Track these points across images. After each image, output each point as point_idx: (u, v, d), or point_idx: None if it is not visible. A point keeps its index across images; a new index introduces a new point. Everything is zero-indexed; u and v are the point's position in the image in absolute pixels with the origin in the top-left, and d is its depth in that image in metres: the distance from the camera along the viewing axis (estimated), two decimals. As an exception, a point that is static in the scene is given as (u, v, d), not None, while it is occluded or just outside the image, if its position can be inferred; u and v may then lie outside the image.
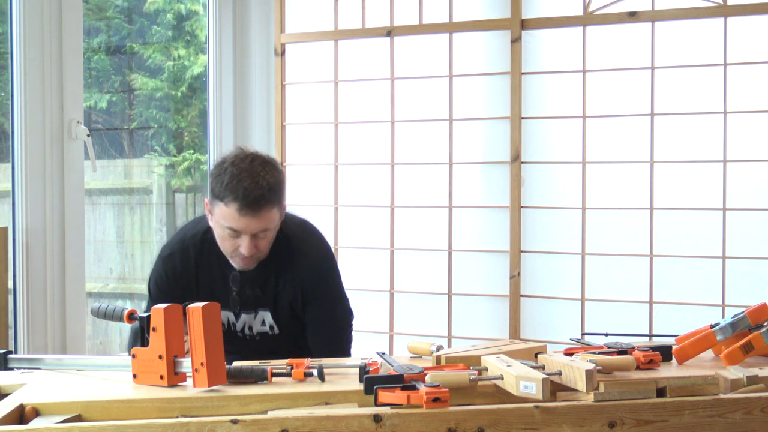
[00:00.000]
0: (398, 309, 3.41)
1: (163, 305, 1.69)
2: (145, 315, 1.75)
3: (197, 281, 2.29)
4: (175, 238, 2.40)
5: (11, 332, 2.68)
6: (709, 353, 1.93)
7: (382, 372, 1.71)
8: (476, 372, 1.63)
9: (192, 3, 3.68)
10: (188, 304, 1.66)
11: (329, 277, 2.36)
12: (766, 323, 1.88)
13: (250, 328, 2.32)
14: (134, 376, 1.70)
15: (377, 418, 1.45)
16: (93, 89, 3.33)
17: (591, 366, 1.55)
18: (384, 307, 3.43)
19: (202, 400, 1.58)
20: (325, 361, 1.82)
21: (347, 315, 2.43)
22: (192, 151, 3.73)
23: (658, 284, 3.10)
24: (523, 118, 3.24)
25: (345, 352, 2.37)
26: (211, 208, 2.17)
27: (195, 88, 3.73)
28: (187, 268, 2.29)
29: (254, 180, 2.08)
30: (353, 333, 2.46)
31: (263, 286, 2.28)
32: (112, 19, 3.49)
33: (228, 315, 2.31)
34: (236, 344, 2.30)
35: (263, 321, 2.31)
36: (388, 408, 1.48)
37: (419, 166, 3.41)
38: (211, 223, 2.21)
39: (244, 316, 2.31)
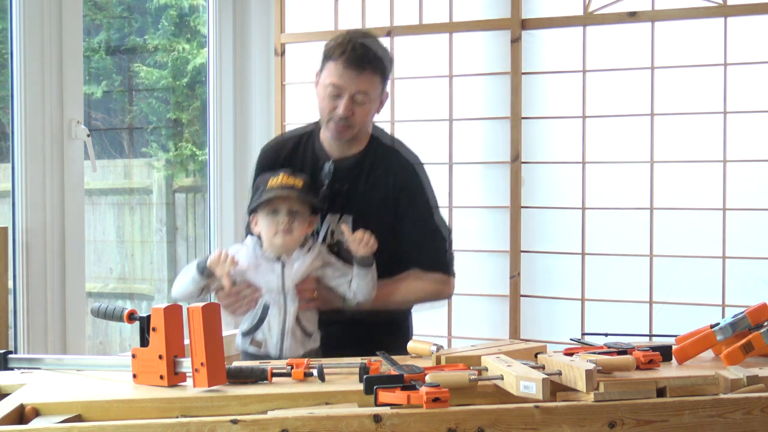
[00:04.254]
0: (398, 309, 3.41)
1: (162, 305, 1.69)
2: (145, 315, 1.75)
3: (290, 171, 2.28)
4: (276, 137, 2.49)
5: (11, 332, 2.68)
6: (709, 353, 1.93)
7: (381, 372, 1.71)
8: (476, 372, 1.63)
9: (194, -1, 3.70)
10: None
11: (423, 182, 2.32)
12: (766, 323, 1.88)
13: (332, 233, 2.27)
14: (134, 376, 1.70)
15: (377, 418, 1.45)
16: (92, 85, 3.32)
17: (591, 366, 1.55)
18: (384, 307, 3.42)
19: (202, 400, 1.58)
20: (325, 361, 1.82)
21: (445, 225, 2.35)
22: (188, 144, 3.72)
23: (658, 284, 3.10)
24: (523, 118, 3.24)
25: (446, 266, 2.31)
26: (319, 74, 2.25)
27: (195, 81, 3.73)
28: (283, 158, 2.33)
29: (365, 45, 2.19)
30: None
31: (354, 183, 2.28)
32: (113, 17, 3.49)
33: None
34: None
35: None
36: (388, 408, 1.48)
37: (419, 166, 3.41)
38: (317, 91, 2.26)
39: (328, 218, 2.28)
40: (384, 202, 2.28)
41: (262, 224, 2.12)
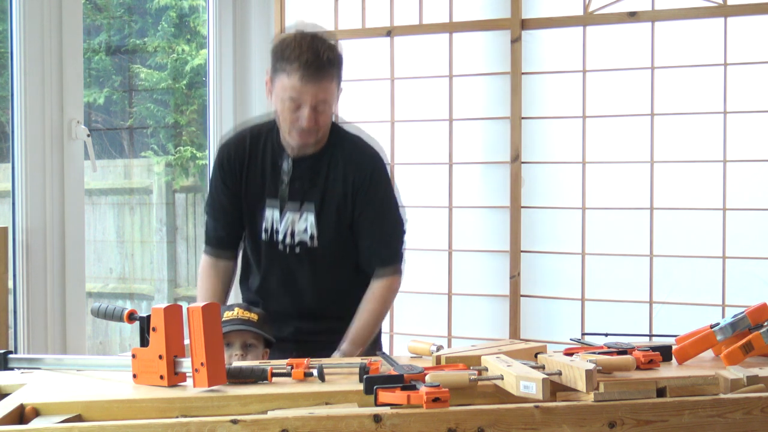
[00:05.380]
0: (398, 309, 3.41)
1: (162, 305, 1.69)
2: (145, 315, 1.75)
3: (249, 169, 2.32)
4: (235, 130, 2.45)
5: (11, 332, 2.68)
6: (709, 353, 1.93)
7: (381, 372, 1.71)
8: (476, 372, 1.62)
9: (193, -1, 3.70)
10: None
11: (382, 176, 2.34)
12: (766, 323, 1.88)
13: (293, 234, 2.29)
14: (134, 376, 1.70)
15: (377, 418, 1.45)
16: (93, 88, 3.33)
17: (591, 366, 1.55)
18: (384, 307, 3.42)
19: (202, 400, 1.58)
20: (325, 361, 1.82)
21: (401, 220, 2.37)
22: (188, 147, 3.73)
23: (658, 284, 3.10)
24: (523, 118, 3.24)
25: (397, 256, 2.35)
26: (272, 83, 2.22)
27: (194, 82, 3.73)
28: (241, 155, 2.32)
29: (315, 52, 2.14)
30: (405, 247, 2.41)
31: (313, 179, 2.29)
32: (113, 18, 3.49)
33: (273, 213, 2.30)
34: (275, 261, 2.31)
35: (306, 228, 2.28)
36: (388, 408, 1.48)
37: (419, 166, 3.41)
38: (271, 101, 2.25)
39: (289, 215, 2.29)
40: (344, 196, 2.29)
41: None
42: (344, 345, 2.23)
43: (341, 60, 2.22)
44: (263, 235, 2.31)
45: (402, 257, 2.37)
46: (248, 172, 2.32)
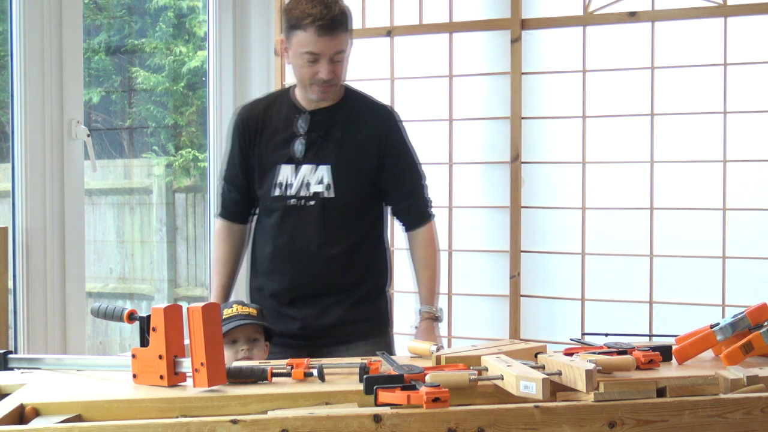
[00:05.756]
0: (398, 309, 3.41)
1: (162, 305, 1.69)
2: (145, 315, 1.75)
3: (263, 132, 2.40)
4: (248, 102, 2.56)
5: (11, 332, 2.68)
6: (709, 353, 1.93)
7: (381, 372, 1.71)
8: (476, 372, 1.62)
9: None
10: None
11: (401, 128, 2.44)
12: (766, 323, 1.88)
13: (308, 185, 2.33)
14: (134, 376, 1.70)
15: (377, 418, 1.45)
16: (93, 87, 3.33)
17: (591, 366, 1.55)
18: (384, 307, 3.42)
19: (202, 400, 1.58)
20: (325, 361, 1.82)
21: (420, 170, 2.47)
22: (190, 149, 3.73)
23: (658, 284, 3.10)
24: (523, 118, 3.24)
25: (429, 202, 2.48)
26: (287, 43, 2.30)
27: (193, 84, 3.73)
28: (255, 119, 2.41)
29: (327, 5, 2.24)
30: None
31: (330, 132, 2.35)
32: (113, 18, 3.49)
33: (287, 172, 2.35)
34: (286, 220, 2.35)
35: (321, 178, 2.33)
36: (388, 408, 1.48)
37: (419, 166, 3.41)
38: (288, 61, 2.34)
39: (303, 168, 2.34)
40: (364, 148, 2.35)
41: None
42: (426, 298, 2.42)
43: (350, 12, 2.32)
44: (276, 191, 2.35)
45: (431, 203, 2.49)
46: (262, 134, 2.39)
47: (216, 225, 2.53)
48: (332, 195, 2.32)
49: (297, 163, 2.34)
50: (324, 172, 2.33)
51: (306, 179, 2.34)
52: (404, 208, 2.45)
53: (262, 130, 2.39)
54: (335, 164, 2.33)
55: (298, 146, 2.35)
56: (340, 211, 2.34)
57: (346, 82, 2.43)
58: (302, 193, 2.34)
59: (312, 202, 2.33)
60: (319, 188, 2.33)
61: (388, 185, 2.40)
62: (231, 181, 2.47)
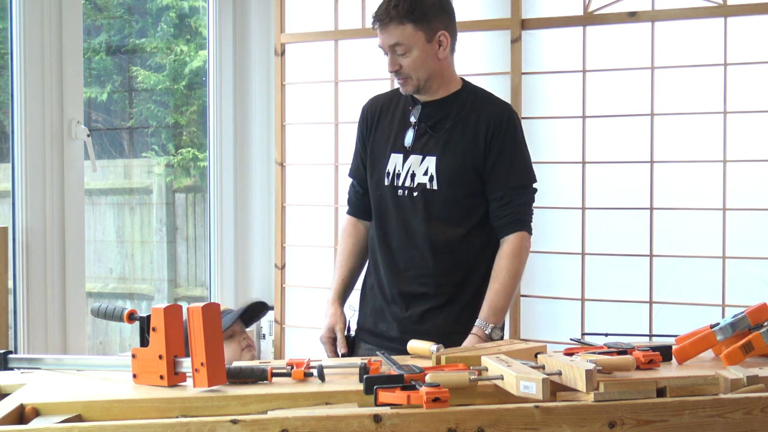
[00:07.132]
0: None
1: (162, 305, 1.69)
2: (145, 315, 1.75)
3: (379, 123, 2.42)
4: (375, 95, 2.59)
5: (11, 332, 2.68)
6: (709, 353, 1.93)
7: (381, 372, 1.71)
8: (476, 372, 1.63)
9: None
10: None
11: (517, 125, 2.36)
12: (766, 323, 1.88)
13: (413, 176, 2.32)
14: (134, 376, 1.70)
15: (377, 418, 1.45)
16: (93, 87, 3.33)
17: (591, 366, 1.55)
18: (384, 307, 3.42)
19: (202, 400, 1.58)
20: (325, 361, 1.82)
21: (532, 175, 2.37)
22: (190, 149, 3.73)
23: (658, 284, 3.10)
24: (523, 117, 3.24)
25: (528, 212, 2.34)
26: None
27: (194, 83, 3.73)
28: (374, 111, 2.45)
29: (387, 2, 2.26)
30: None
31: (440, 123, 2.33)
32: (114, 18, 3.49)
33: (396, 161, 2.35)
34: (393, 210, 2.35)
35: (426, 169, 2.31)
36: (388, 408, 1.48)
37: (419, 166, 3.41)
38: None
39: (411, 158, 2.33)
40: (472, 142, 2.30)
41: (226, 352, 2.18)
42: (484, 312, 2.24)
43: (419, 5, 2.23)
44: (386, 180, 2.36)
45: (531, 214, 2.35)
46: (380, 123, 2.42)
47: (345, 220, 2.54)
48: (435, 187, 2.30)
49: (406, 152, 2.34)
50: (430, 163, 2.31)
51: (412, 169, 2.33)
52: (497, 209, 2.31)
53: (380, 119, 2.42)
54: (440, 156, 2.30)
55: (409, 136, 2.35)
56: (443, 205, 2.31)
57: (464, 77, 2.41)
58: (407, 184, 2.33)
59: (416, 193, 2.32)
60: (424, 179, 2.31)
61: (487, 181, 2.31)
62: (354, 175, 2.50)
